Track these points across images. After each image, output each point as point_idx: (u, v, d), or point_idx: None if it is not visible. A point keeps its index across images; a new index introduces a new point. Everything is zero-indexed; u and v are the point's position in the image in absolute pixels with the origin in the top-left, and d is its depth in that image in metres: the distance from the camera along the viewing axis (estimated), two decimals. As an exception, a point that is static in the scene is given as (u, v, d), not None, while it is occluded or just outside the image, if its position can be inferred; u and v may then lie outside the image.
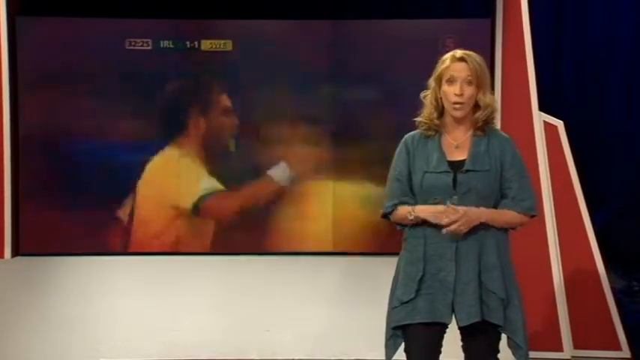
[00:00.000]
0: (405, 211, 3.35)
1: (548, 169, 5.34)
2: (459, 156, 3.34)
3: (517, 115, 5.34)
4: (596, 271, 5.32)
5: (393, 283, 3.44)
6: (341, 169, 5.85)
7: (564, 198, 5.34)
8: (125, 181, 5.81)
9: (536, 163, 5.29)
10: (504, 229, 3.38)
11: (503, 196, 3.36)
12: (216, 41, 5.83)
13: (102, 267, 5.59)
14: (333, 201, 5.84)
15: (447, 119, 3.38)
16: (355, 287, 5.42)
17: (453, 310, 3.30)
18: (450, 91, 3.31)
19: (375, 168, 5.64)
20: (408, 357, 3.40)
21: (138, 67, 5.75)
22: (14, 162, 5.67)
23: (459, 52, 3.35)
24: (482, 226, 3.30)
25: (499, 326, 3.32)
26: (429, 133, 3.38)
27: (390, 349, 3.41)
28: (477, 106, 3.34)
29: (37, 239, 5.75)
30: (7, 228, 5.64)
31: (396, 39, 5.77)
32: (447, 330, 3.38)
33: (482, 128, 3.36)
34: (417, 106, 3.44)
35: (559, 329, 5.27)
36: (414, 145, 3.40)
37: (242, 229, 5.85)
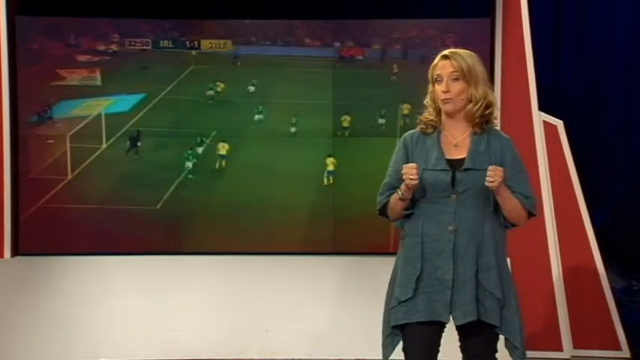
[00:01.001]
0: (394, 197, 3.37)
1: (547, 168, 5.34)
2: (458, 154, 3.34)
3: (517, 115, 5.34)
4: (595, 271, 5.32)
5: (390, 282, 3.44)
6: (341, 168, 5.86)
7: (564, 197, 5.34)
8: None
9: (536, 162, 5.29)
10: (503, 229, 3.39)
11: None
12: (216, 41, 5.84)
13: (102, 267, 5.59)
14: (333, 200, 5.85)
15: (445, 118, 3.39)
16: (355, 287, 5.42)
17: (451, 309, 3.30)
18: (438, 90, 3.35)
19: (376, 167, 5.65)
20: (406, 356, 3.39)
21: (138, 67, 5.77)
22: (14, 162, 5.67)
23: (446, 51, 3.39)
24: (482, 226, 3.31)
25: (496, 327, 3.32)
26: (428, 130, 3.40)
27: (388, 348, 3.41)
28: (471, 102, 3.35)
29: (37, 239, 5.75)
30: (7, 228, 5.64)
31: (396, 39, 5.78)
32: (446, 330, 3.38)
33: (482, 126, 3.37)
34: (421, 107, 3.46)
35: (559, 329, 5.28)
36: (412, 143, 3.41)
37: (243, 229, 5.85)
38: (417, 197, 3.36)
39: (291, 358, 5.17)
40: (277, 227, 5.85)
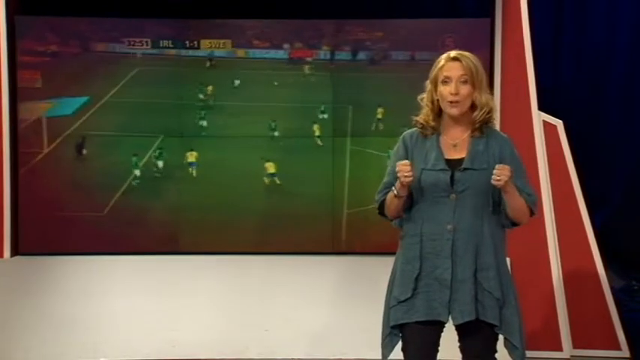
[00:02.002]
0: (390, 195, 3.36)
1: (547, 168, 5.34)
2: (457, 155, 3.34)
3: (516, 115, 5.34)
4: (595, 271, 5.32)
5: (389, 282, 3.44)
6: (341, 168, 5.86)
7: (563, 198, 5.34)
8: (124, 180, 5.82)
9: (536, 162, 5.29)
10: (502, 229, 3.39)
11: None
12: (216, 41, 5.84)
13: (102, 267, 5.59)
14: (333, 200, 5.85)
15: (445, 120, 3.39)
16: (355, 287, 5.42)
17: (450, 309, 3.29)
18: (446, 91, 3.32)
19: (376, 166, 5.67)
20: (405, 356, 3.39)
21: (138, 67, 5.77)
22: (14, 161, 5.67)
23: (453, 53, 3.36)
24: (481, 226, 3.31)
25: (495, 326, 3.32)
26: (426, 132, 3.39)
27: (387, 348, 3.41)
28: (473, 106, 3.35)
29: (37, 239, 5.75)
30: (7, 228, 5.64)
31: (396, 38, 5.78)
32: (445, 329, 3.38)
33: (481, 129, 3.37)
34: (417, 106, 3.45)
35: (558, 329, 5.28)
36: (412, 142, 3.41)
37: (242, 228, 5.85)
38: (415, 197, 3.36)
39: (290, 358, 5.17)
40: (277, 227, 5.85)
